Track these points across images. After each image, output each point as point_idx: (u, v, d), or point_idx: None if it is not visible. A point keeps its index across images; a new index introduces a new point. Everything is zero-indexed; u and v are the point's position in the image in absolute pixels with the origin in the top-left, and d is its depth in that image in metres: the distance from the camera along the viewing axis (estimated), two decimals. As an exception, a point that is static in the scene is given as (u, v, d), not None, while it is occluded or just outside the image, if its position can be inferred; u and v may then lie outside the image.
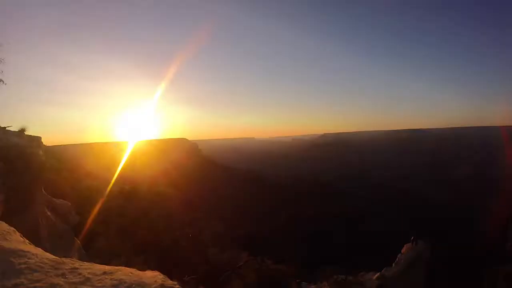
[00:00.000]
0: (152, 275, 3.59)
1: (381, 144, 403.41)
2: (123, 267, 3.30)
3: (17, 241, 3.42)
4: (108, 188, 32.65)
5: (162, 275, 3.96)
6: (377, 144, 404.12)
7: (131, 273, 3.14)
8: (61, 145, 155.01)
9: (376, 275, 31.70)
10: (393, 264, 33.35)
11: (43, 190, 11.36)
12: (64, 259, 3.22)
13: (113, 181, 37.18)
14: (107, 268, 3.16)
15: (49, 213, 11.22)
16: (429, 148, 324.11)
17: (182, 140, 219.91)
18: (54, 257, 3.27)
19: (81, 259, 13.29)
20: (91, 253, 16.76)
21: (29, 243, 3.57)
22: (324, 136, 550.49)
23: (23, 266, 2.70)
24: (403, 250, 34.71)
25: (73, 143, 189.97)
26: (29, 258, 2.94)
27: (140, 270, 3.55)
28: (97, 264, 3.36)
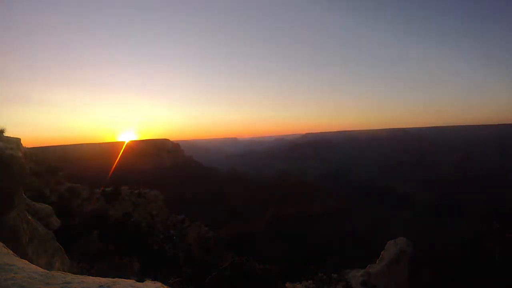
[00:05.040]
0: (154, 287, 3.37)
1: (362, 143, 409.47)
2: (121, 279, 3.03)
3: (1, 252, 3.08)
4: (90, 190, 31.98)
5: (164, 286, 3.76)
6: (358, 144, 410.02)
7: (131, 285, 2.90)
8: (39, 147, 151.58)
9: (361, 272, 32.08)
10: (377, 261, 33.83)
11: (23, 194, 10.93)
12: (54, 273, 2.94)
13: (97, 183, 36.42)
14: (103, 280, 2.88)
15: (30, 218, 10.80)
16: (410, 147, 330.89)
17: (164, 141, 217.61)
18: (43, 270, 2.99)
19: (64, 264, 12.91)
20: (74, 258, 16.30)
21: (14, 255, 3.24)
22: (306, 136, 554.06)
23: (10, 282, 2.42)
24: (386, 247, 35.27)
25: (52, 144, 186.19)
26: (16, 273, 2.65)
27: (139, 282, 3.32)
28: (90, 277, 3.09)
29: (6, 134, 10.50)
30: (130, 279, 3.57)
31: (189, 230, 35.51)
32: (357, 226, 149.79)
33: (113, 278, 3.02)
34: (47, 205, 14.08)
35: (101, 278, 2.94)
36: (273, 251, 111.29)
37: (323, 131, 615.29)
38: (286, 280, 27.74)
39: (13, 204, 9.33)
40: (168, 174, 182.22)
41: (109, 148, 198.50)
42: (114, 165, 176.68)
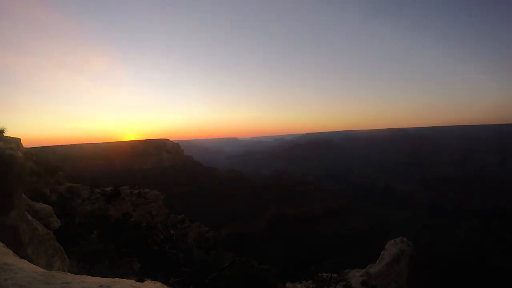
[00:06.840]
0: (154, 287, 3.36)
1: (362, 143, 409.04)
2: (121, 279, 3.02)
3: (1, 252, 3.06)
4: (90, 190, 31.96)
5: (164, 286, 3.76)
6: (358, 144, 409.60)
7: (131, 285, 2.89)
8: (39, 147, 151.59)
9: (361, 272, 32.02)
10: (377, 261, 33.78)
11: (23, 194, 10.93)
12: (54, 272, 2.94)
13: (97, 183, 36.40)
14: (102, 281, 2.87)
15: (30, 218, 10.79)
16: (410, 147, 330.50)
17: (164, 141, 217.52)
18: (42, 270, 2.98)
19: (64, 264, 12.90)
20: (74, 258, 16.30)
21: (14, 254, 3.22)
22: (306, 136, 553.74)
23: (10, 282, 2.42)
24: (386, 247, 35.22)
25: (52, 144, 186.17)
26: (16, 273, 2.64)
27: (139, 282, 3.31)
28: (90, 277, 3.08)
29: (6, 134, 10.49)
30: (130, 279, 3.57)
31: (189, 230, 35.43)
32: (357, 226, 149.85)
33: (113, 278, 3.02)
34: (47, 205, 14.07)
35: (101, 278, 2.92)
36: (273, 251, 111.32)
37: (323, 131, 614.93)
38: (286, 280, 27.67)
39: (13, 204, 9.32)
40: (168, 174, 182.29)
41: (109, 148, 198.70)
42: (115, 165, 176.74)
